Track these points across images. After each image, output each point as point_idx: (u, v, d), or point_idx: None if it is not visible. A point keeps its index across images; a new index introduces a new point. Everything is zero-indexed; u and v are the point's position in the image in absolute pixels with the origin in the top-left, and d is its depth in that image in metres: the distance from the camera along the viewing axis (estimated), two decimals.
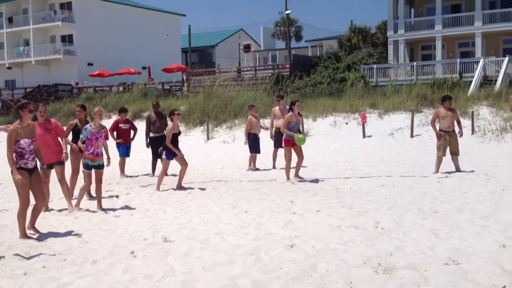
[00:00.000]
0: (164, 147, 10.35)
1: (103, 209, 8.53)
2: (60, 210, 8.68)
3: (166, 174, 11.03)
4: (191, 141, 21.45)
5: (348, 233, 6.65)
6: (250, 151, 13.42)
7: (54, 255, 6.12)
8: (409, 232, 6.56)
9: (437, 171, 11.43)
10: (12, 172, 6.70)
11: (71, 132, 9.73)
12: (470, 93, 23.41)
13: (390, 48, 34.55)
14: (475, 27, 32.19)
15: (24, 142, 6.76)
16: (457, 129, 11.70)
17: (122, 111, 13.02)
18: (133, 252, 6.11)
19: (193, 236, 6.78)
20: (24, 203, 6.82)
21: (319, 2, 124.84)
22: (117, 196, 9.92)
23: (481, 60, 27.17)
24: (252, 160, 13.40)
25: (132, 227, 7.38)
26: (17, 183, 6.71)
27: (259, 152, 13.47)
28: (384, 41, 36.41)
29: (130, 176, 12.66)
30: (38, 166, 7.15)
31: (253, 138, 13.33)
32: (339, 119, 21.70)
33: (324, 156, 15.55)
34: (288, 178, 10.94)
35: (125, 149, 12.74)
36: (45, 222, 7.85)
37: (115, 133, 12.69)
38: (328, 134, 20.26)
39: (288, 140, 10.92)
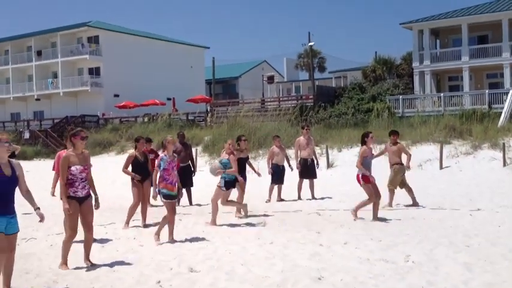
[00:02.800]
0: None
1: (174, 241, 8.33)
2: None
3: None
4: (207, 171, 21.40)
5: (377, 266, 6.50)
6: (271, 181, 13.35)
7: (81, 283, 6.12)
8: (441, 266, 6.39)
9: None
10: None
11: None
12: (501, 124, 23.06)
13: (416, 79, 34.38)
14: (503, 58, 31.94)
15: (75, 169, 6.67)
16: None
17: (147, 141, 13.11)
18: (159, 281, 6.08)
19: (218, 266, 6.72)
20: (69, 233, 6.75)
21: (342, 34, 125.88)
22: (143, 225, 9.90)
23: (511, 91, 26.80)
24: (272, 190, 13.32)
25: (158, 257, 7.34)
26: (64, 213, 6.70)
27: (282, 183, 13.38)
28: (409, 72, 36.30)
29: (155, 206, 12.67)
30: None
31: (276, 168, 13.28)
32: None
33: (350, 187, 15.33)
34: (376, 218, 9.95)
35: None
36: (72, 250, 7.85)
37: None
38: (353, 165, 19.91)
39: (365, 175, 10.09)
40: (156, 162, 8.45)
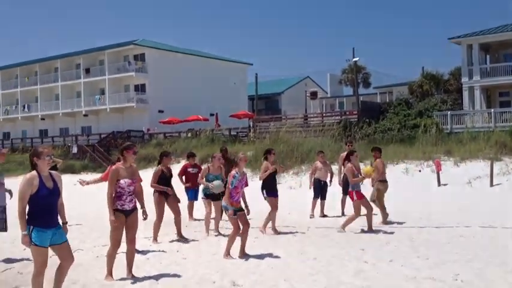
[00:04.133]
0: (263, 186, 10.34)
1: (246, 255, 8.25)
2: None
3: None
4: (257, 185, 21.39)
5: (424, 284, 6.31)
6: (314, 196, 13.24)
7: None
8: (491, 286, 6.16)
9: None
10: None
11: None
12: None
13: (465, 94, 33.49)
14: None
15: (124, 182, 6.75)
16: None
17: (191, 156, 13.25)
18: None
19: (261, 281, 6.67)
20: (114, 245, 6.82)
21: (388, 49, 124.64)
22: (185, 239, 9.94)
23: None
24: (315, 205, 13.18)
25: (200, 270, 7.35)
26: (110, 224, 6.77)
27: (324, 198, 13.25)
28: (458, 88, 35.44)
29: (199, 220, 12.73)
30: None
31: (317, 184, 13.18)
32: (411, 166, 21.04)
33: (395, 205, 15.00)
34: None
35: (193, 193, 12.93)
36: (118, 262, 7.94)
37: (183, 177, 12.93)
38: (399, 182, 19.61)
39: (359, 192, 10.38)
40: (228, 179, 8.25)
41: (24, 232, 5.33)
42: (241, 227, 8.25)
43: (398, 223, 11.54)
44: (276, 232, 10.49)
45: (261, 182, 10.78)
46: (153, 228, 9.79)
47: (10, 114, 55.93)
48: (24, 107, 54.69)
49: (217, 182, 10.07)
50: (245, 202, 8.46)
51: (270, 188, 10.63)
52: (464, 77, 33.76)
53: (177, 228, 10.03)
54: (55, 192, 5.57)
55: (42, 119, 53.25)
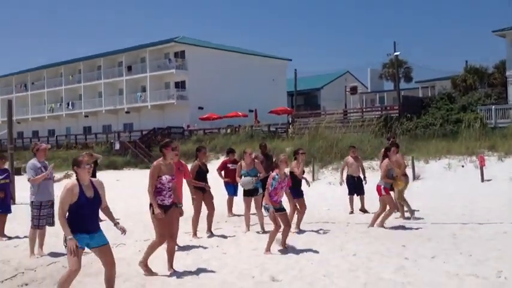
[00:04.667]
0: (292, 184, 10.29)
1: (286, 249, 8.29)
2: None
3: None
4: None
5: (467, 281, 6.20)
6: (348, 192, 13.18)
7: None
8: None
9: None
10: (151, 206, 6.90)
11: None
12: None
13: (510, 88, 32.56)
14: None
15: (165, 178, 6.87)
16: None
17: (230, 152, 13.33)
18: None
19: (301, 276, 6.68)
20: (159, 238, 6.92)
21: (430, 43, 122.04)
22: (223, 236, 10.00)
23: None
24: (352, 201, 13.07)
25: (240, 265, 7.41)
26: (155, 218, 6.86)
27: (361, 193, 13.10)
28: (502, 81, 34.47)
29: (238, 215, 12.82)
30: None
31: (350, 179, 13.08)
32: (453, 161, 20.62)
33: (437, 200, 14.78)
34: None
35: (232, 188, 13.02)
36: (158, 256, 8.10)
37: (223, 172, 13.05)
38: (441, 177, 19.29)
39: (386, 187, 10.27)
40: (268, 180, 8.22)
41: (70, 236, 5.36)
42: (282, 226, 8.26)
43: (441, 219, 11.30)
44: (298, 230, 10.30)
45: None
46: (191, 223, 9.88)
47: (55, 112, 57.55)
48: (68, 105, 56.15)
49: (246, 179, 10.12)
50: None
51: (293, 189, 10.40)
52: (508, 70, 32.83)
53: (208, 223, 10.05)
54: (95, 201, 5.60)
55: (86, 116, 54.57)
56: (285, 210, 8.38)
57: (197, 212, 9.83)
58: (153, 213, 6.90)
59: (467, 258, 7.41)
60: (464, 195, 15.75)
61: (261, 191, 10.44)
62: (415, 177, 19.14)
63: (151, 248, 7.00)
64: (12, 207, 11.21)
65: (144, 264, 6.99)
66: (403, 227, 10.36)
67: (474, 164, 19.73)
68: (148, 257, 7.02)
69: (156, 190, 6.90)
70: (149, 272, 6.92)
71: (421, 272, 6.70)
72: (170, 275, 6.89)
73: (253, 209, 10.59)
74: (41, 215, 8.26)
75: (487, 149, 21.27)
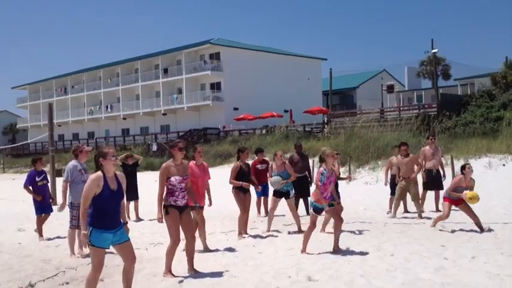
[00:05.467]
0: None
1: (338, 251, 8.16)
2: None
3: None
4: None
5: (508, 282, 6.10)
6: (391, 193, 12.94)
7: (204, 287, 6.34)
8: None
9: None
10: (164, 208, 6.84)
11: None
12: None
13: None
14: None
15: (175, 179, 6.82)
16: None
17: (259, 151, 13.00)
18: None
19: (337, 276, 6.65)
20: (174, 240, 6.84)
21: (469, 39, 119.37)
22: (259, 236, 10.02)
23: None
24: (392, 202, 12.87)
25: (276, 264, 7.42)
26: (166, 220, 6.80)
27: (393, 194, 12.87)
28: None
29: (276, 216, 12.75)
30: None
31: (392, 180, 12.88)
32: (494, 160, 20.11)
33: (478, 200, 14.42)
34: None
35: (264, 189, 12.80)
36: (196, 257, 8.18)
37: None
38: (482, 176, 18.77)
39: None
40: (317, 176, 8.10)
41: (85, 231, 5.35)
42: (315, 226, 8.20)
43: (481, 219, 11.05)
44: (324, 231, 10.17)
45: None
46: (238, 222, 9.89)
47: (94, 115, 58.80)
48: (107, 107, 57.29)
49: (275, 178, 10.11)
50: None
51: None
52: None
53: (240, 224, 9.95)
54: (119, 195, 5.54)
55: (124, 118, 55.56)
56: (334, 205, 8.27)
57: (242, 211, 9.81)
58: (166, 213, 6.82)
59: (509, 258, 7.26)
60: (505, 194, 15.34)
61: (293, 193, 10.45)
62: (454, 177, 18.74)
63: (169, 254, 6.91)
64: (53, 208, 11.47)
65: (166, 272, 6.89)
66: (442, 228, 10.18)
67: None
68: (170, 263, 6.94)
69: (168, 191, 6.86)
70: (171, 276, 6.86)
71: (461, 273, 6.59)
72: (208, 274, 6.92)
73: (280, 211, 10.52)
74: (75, 216, 8.39)
75: None
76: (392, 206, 12.14)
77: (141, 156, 13.92)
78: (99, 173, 5.46)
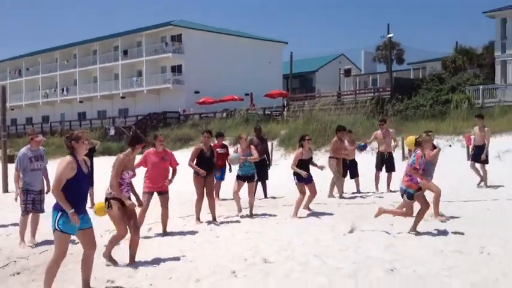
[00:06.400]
0: (294, 171, 10.14)
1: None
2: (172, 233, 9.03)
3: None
4: (290, 164, 21.59)
5: (451, 258, 6.46)
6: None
7: (160, 273, 6.43)
8: None
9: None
10: (106, 201, 6.76)
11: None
12: None
13: (498, 68, 32.90)
14: None
15: (127, 174, 6.85)
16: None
17: (219, 135, 13.03)
18: (234, 272, 6.30)
19: (293, 257, 6.87)
20: (121, 232, 6.78)
21: (422, 24, 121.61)
22: (213, 220, 9.90)
23: None
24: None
25: (233, 248, 7.58)
26: (110, 214, 6.68)
27: (356, 176, 13.28)
28: (491, 62, 34.72)
29: (225, 199, 12.88)
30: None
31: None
32: (441, 141, 20.86)
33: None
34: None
35: (220, 173, 12.77)
36: (152, 241, 8.31)
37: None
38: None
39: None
40: (416, 159, 7.75)
41: (71, 210, 5.30)
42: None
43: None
44: (308, 209, 10.47)
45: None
46: (195, 207, 9.82)
47: (49, 98, 57.27)
48: (63, 90, 55.88)
49: (233, 155, 10.27)
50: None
51: (300, 175, 10.44)
52: (497, 51, 33.16)
53: (212, 211, 9.85)
54: (88, 179, 5.63)
55: (81, 101, 54.34)
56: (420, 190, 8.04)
57: (199, 196, 9.71)
58: (108, 207, 6.73)
59: (452, 235, 7.67)
60: (451, 174, 16.00)
61: (256, 177, 10.66)
62: (404, 157, 19.41)
63: (112, 243, 6.86)
64: (4, 195, 11.20)
65: (107, 255, 6.82)
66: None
67: (461, 143, 20.00)
68: (111, 249, 6.84)
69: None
70: (113, 262, 6.83)
71: (409, 250, 6.93)
72: (164, 259, 6.97)
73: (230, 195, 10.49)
74: (28, 200, 8.27)
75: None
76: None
77: (98, 141, 13.79)
78: (71, 156, 5.49)
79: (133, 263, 6.83)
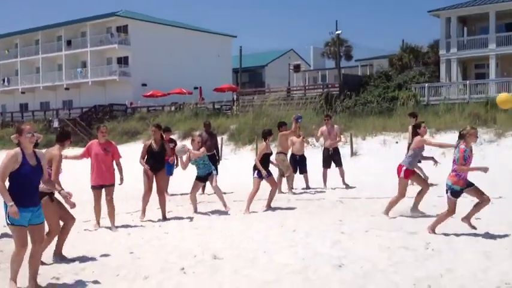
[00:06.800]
0: (254, 166, 10.22)
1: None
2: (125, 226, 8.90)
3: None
4: (240, 159, 21.64)
5: (397, 254, 6.57)
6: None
7: (107, 270, 6.31)
8: (460, 254, 6.43)
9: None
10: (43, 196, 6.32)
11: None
12: None
13: (442, 67, 33.97)
14: None
15: (50, 170, 6.73)
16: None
17: (166, 130, 12.80)
18: (183, 268, 6.23)
19: (242, 254, 6.85)
20: (52, 231, 6.62)
21: (369, 22, 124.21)
22: (163, 218, 9.80)
23: None
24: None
25: (182, 244, 7.51)
26: (45, 210, 6.02)
27: (304, 172, 13.37)
28: (436, 60, 35.84)
29: (175, 194, 12.76)
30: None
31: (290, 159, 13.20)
32: (388, 138, 21.40)
33: (373, 176, 15.36)
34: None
35: (167, 168, 12.78)
36: (99, 238, 8.11)
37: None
38: (377, 153, 19.98)
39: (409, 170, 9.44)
40: (460, 154, 7.38)
41: (11, 203, 5.22)
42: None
43: (375, 194, 11.80)
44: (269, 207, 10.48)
45: (254, 162, 10.65)
46: (142, 202, 9.70)
47: None
48: (4, 81, 53.89)
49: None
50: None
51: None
52: (442, 49, 34.25)
53: (162, 207, 9.80)
54: (38, 171, 5.52)
55: (23, 92, 52.52)
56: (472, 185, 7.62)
57: (146, 190, 9.63)
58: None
59: (399, 232, 7.80)
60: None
61: (215, 173, 10.61)
62: (352, 154, 19.78)
63: (46, 241, 6.39)
64: None
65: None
66: (340, 203, 10.76)
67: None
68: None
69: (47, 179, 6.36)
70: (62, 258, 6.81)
71: (356, 246, 7.02)
72: (111, 256, 6.89)
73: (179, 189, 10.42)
74: None
75: None
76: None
77: (40, 135, 13.31)
78: (18, 149, 5.43)
79: (58, 254, 6.89)
